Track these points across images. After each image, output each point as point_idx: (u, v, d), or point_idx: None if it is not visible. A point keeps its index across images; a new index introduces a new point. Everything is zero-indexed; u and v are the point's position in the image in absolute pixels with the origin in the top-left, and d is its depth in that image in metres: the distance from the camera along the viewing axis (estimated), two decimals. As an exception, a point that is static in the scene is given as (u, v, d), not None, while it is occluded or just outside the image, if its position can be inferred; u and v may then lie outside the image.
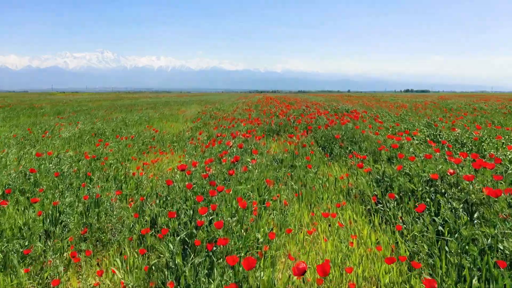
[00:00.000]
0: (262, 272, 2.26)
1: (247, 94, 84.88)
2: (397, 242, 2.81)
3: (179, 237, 2.61)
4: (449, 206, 2.90)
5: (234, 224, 2.80)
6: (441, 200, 3.00)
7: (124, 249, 2.89)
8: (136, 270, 2.50)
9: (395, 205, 3.27)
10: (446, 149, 4.83)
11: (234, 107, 21.07)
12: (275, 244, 2.83)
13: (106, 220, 3.23)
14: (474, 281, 2.09)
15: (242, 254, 2.51)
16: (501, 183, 3.15)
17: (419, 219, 2.89)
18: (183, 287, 2.23)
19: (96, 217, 3.20)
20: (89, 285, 2.51)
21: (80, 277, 2.61)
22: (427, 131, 7.12)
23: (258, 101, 27.23)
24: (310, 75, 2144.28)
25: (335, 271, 2.46)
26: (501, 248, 2.27)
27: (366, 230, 3.02)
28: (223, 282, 2.16)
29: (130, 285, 2.39)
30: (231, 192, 3.26)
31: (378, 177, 4.02)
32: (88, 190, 3.77)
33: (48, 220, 3.09)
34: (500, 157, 4.23)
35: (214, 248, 2.40)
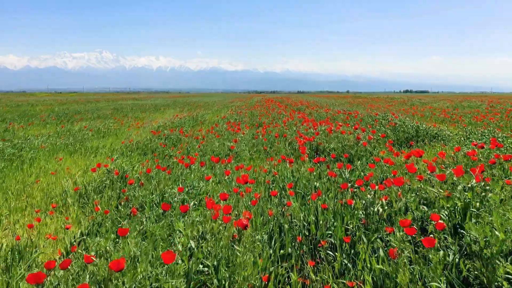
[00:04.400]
0: None
1: (246, 94, 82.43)
2: None
3: None
4: None
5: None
6: None
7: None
8: None
9: None
10: None
11: (221, 115, 15.72)
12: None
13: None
14: None
15: None
16: None
17: None
18: None
19: None
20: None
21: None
22: None
23: (256, 106, 20.84)
24: (309, 76, 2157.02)
25: None
26: None
27: None
28: None
29: None
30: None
31: None
32: None
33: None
34: None
35: None
